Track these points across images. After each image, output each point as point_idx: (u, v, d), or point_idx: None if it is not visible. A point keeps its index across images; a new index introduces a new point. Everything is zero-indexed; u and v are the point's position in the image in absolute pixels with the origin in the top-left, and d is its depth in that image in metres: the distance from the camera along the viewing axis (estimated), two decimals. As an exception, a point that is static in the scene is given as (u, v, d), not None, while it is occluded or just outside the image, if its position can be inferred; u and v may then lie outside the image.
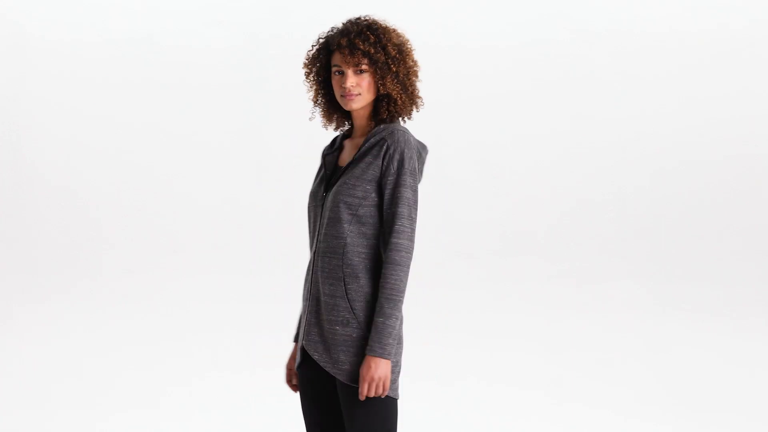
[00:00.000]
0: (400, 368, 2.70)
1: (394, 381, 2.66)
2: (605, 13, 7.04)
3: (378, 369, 2.57)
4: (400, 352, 2.69)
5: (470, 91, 7.04)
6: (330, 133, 3.09)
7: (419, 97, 2.78)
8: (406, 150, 2.63)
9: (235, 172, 6.78)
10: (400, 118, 2.77)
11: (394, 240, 2.58)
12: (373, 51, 2.67)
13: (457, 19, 6.98)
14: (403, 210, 2.59)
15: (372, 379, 2.58)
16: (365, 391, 2.59)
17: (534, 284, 6.62)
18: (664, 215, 7.09)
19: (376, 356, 2.57)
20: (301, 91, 7.61)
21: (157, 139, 6.99)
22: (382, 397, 2.61)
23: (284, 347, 5.65)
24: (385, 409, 2.66)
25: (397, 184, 2.61)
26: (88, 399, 4.80)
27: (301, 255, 6.37)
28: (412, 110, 2.76)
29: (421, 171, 2.75)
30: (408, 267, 2.59)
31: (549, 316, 6.16)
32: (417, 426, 4.43)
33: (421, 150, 2.75)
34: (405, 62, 2.71)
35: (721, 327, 6.03)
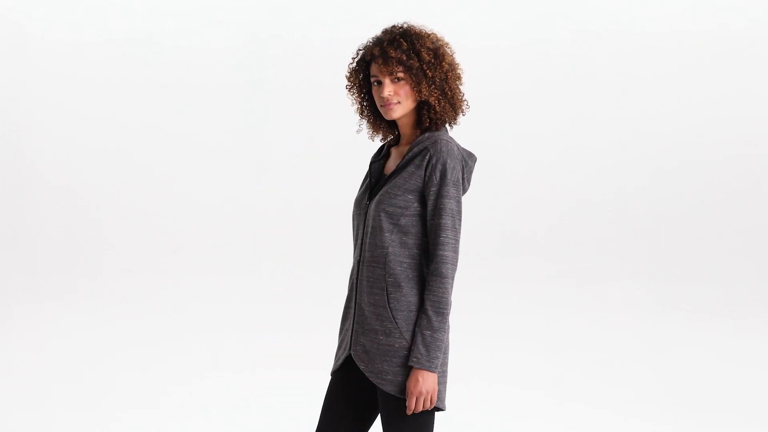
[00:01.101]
0: (446, 378, 2.68)
1: (441, 392, 2.65)
2: (605, 13, 7.04)
3: (426, 382, 2.55)
4: (447, 362, 2.67)
5: (470, 91, 7.01)
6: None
7: (463, 101, 2.74)
8: (449, 160, 2.59)
9: (235, 172, 6.78)
10: (447, 125, 2.72)
11: (439, 252, 2.55)
12: (406, 58, 2.62)
13: (457, 19, 6.98)
14: (446, 221, 2.56)
15: (420, 393, 2.55)
16: (413, 405, 2.57)
17: (534, 284, 6.62)
18: (664, 215, 7.08)
19: (423, 369, 2.54)
20: (301, 91, 7.62)
21: (157, 139, 6.99)
22: (429, 409, 2.59)
23: (284, 347, 5.66)
24: (426, 419, 2.65)
25: (440, 195, 2.57)
26: (88, 399, 4.79)
27: (301, 255, 6.39)
28: (456, 116, 2.72)
29: (468, 180, 2.71)
30: (453, 278, 2.56)
31: (549, 316, 6.16)
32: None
33: (467, 159, 2.70)
34: (441, 66, 2.66)
35: (721, 327, 6.02)
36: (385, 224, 2.63)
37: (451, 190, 2.58)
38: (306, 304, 5.91)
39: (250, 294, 6.07)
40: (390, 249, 2.62)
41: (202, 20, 6.96)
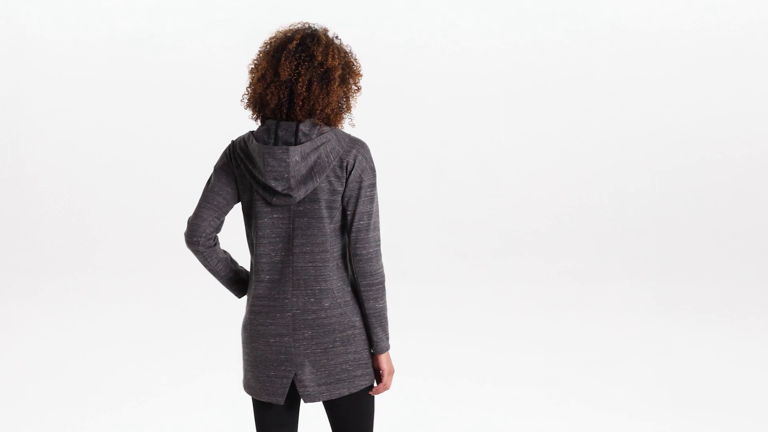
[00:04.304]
0: (245, 365, 2.76)
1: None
2: (605, 13, 7.05)
3: None
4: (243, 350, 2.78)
5: (470, 91, 7.04)
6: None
7: (251, 102, 2.81)
8: None
9: (235, 172, 6.77)
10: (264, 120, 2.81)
11: None
12: None
13: (457, 19, 6.98)
14: None
15: None
16: None
17: (534, 284, 6.63)
18: (664, 215, 7.09)
19: None
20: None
21: (157, 139, 6.99)
22: None
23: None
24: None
25: None
26: (87, 398, 4.80)
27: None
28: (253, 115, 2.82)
29: (251, 162, 2.73)
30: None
31: (549, 316, 6.16)
32: (417, 425, 4.43)
33: (240, 145, 2.80)
34: None
35: (721, 327, 6.03)
36: None
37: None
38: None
39: (250, 294, 6.07)
40: None
41: (202, 20, 6.96)
